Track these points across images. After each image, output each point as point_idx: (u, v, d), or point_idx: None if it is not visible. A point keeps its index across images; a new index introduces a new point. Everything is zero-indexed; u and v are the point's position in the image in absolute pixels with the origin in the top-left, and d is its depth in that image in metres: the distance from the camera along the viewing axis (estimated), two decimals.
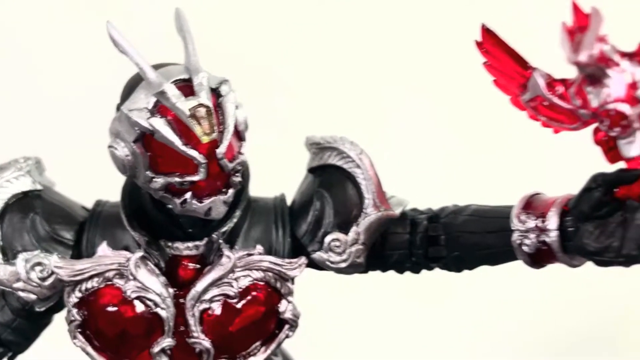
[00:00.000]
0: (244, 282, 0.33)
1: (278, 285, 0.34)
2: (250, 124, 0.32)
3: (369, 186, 0.35)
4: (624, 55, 0.24)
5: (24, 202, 0.35)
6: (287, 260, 0.34)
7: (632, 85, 0.24)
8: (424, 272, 0.37)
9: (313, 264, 0.35)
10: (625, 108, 0.24)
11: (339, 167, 0.35)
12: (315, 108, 0.86)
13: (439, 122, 0.83)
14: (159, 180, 0.30)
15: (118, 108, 0.31)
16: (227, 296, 0.33)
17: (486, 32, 0.29)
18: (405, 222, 0.35)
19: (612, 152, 0.25)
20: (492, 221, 0.32)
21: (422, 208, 0.37)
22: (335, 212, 0.35)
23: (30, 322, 0.36)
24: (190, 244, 0.33)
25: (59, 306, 0.34)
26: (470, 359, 0.94)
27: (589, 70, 0.23)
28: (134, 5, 0.78)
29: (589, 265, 0.30)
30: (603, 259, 0.27)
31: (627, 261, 0.27)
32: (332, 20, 0.85)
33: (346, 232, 0.34)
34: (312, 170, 0.37)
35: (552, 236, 0.29)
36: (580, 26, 0.24)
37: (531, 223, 0.30)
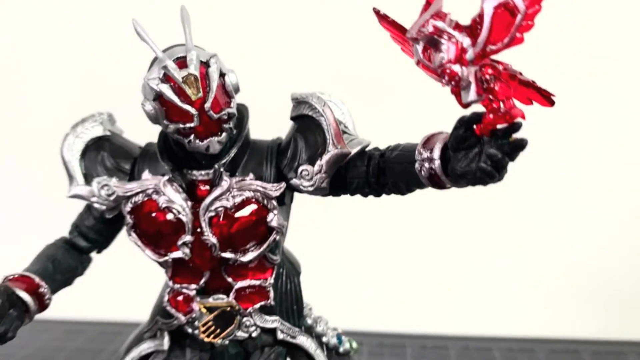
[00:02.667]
0: (239, 199, 0.47)
1: (265, 202, 0.47)
2: None
3: (330, 131, 0.46)
4: (457, 27, 0.33)
5: (98, 143, 0.50)
6: (271, 184, 0.47)
7: (462, 50, 0.33)
8: None
9: (292, 188, 0.48)
10: (456, 68, 0.33)
11: (310, 116, 0.47)
12: None
13: None
14: (172, 126, 0.44)
15: None
16: (226, 208, 0.46)
17: (378, 15, 0.38)
18: (364, 157, 0.47)
19: (459, 98, 0.34)
20: (410, 154, 0.42)
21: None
22: (306, 150, 0.47)
23: (106, 226, 0.52)
24: (203, 172, 0.47)
25: (121, 215, 0.50)
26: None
27: (426, 41, 0.33)
28: None
29: None
30: (467, 177, 0.37)
31: (482, 176, 0.36)
32: None
33: (313, 164, 0.46)
34: (293, 119, 0.49)
35: (436, 164, 0.39)
36: (425, 8, 0.33)
37: (425, 154, 0.40)
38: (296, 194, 0.51)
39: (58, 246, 0.52)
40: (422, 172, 0.40)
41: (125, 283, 1.19)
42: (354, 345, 0.56)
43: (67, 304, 1.18)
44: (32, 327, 1.25)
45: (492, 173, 0.35)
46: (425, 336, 1.15)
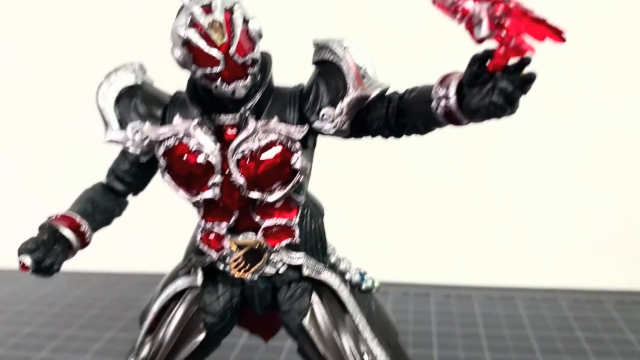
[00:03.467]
0: (264, 142, 0.49)
1: (289, 144, 0.49)
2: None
3: (350, 74, 0.48)
4: None
5: (130, 92, 0.53)
6: (295, 127, 0.49)
7: None
8: None
9: (314, 132, 0.50)
10: (468, 5, 0.34)
11: (330, 61, 0.49)
12: None
13: None
14: (199, 71, 0.46)
15: None
16: (252, 150, 0.49)
17: None
18: (383, 100, 0.48)
19: (473, 34, 0.36)
20: (427, 94, 0.44)
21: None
22: (327, 93, 0.49)
23: (141, 169, 0.55)
24: (230, 116, 0.50)
25: (155, 159, 0.53)
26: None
27: None
28: None
29: None
30: (481, 112, 0.38)
31: (495, 110, 0.37)
32: None
33: (334, 107, 0.48)
34: (315, 64, 0.51)
35: (452, 101, 0.41)
36: None
37: (441, 92, 0.41)
38: (319, 139, 0.53)
39: (96, 189, 0.55)
40: (439, 110, 0.42)
41: (159, 237, 1.24)
42: (376, 283, 0.59)
43: (104, 258, 1.25)
44: (72, 278, 1.33)
45: (504, 106, 0.37)
46: (449, 286, 1.18)
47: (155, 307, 0.58)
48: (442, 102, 0.41)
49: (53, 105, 1.29)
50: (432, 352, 0.91)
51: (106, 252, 1.23)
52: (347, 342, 0.52)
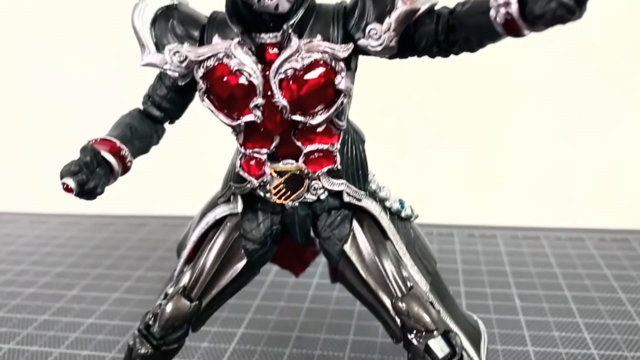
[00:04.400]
0: (308, 61, 0.47)
1: (333, 64, 0.48)
2: None
3: None
4: None
5: (167, 12, 0.51)
6: (339, 45, 0.48)
7: None
8: None
9: (359, 51, 0.48)
10: None
11: None
12: None
13: None
14: None
15: None
16: (295, 69, 0.47)
17: None
18: (433, 15, 0.46)
19: None
20: (483, 4, 0.42)
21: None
22: (374, 8, 0.47)
23: (178, 94, 0.54)
24: (271, 34, 0.48)
25: (193, 83, 0.51)
26: None
27: None
28: None
29: None
30: (546, 17, 0.36)
31: (562, 13, 0.35)
32: None
33: (381, 22, 0.46)
34: None
35: (513, 7, 0.39)
36: None
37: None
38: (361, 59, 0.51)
39: (133, 115, 0.54)
40: (498, 19, 0.40)
41: (183, 181, 1.24)
42: (415, 211, 0.58)
43: (128, 201, 1.25)
44: (98, 221, 1.34)
45: (573, 8, 0.35)
46: (473, 226, 1.18)
47: (194, 236, 0.58)
48: (502, 10, 0.39)
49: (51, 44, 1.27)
50: (459, 288, 0.92)
51: (130, 196, 1.23)
52: (389, 267, 0.52)
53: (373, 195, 0.55)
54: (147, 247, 1.15)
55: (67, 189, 0.46)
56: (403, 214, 0.57)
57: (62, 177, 0.47)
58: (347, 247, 0.53)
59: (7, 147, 1.36)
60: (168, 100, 0.54)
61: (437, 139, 1.18)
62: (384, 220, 0.54)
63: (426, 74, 1.12)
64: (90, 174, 0.47)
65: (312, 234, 0.57)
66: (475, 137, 1.17)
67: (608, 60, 1.10)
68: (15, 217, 1.34)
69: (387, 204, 0.56)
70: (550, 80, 1.12)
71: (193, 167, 1.25)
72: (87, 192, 0.47)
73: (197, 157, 1.24)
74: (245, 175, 0.52)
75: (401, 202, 0.57)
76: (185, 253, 0.58)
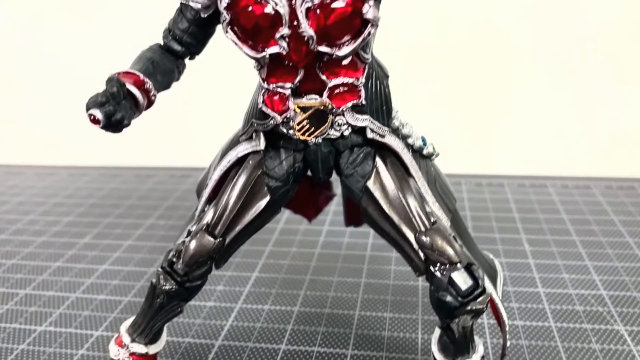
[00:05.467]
0: None
1: None
2: None
3: None
4: None
5: None
6: None
7: None
8: None
9: None
10: None
11: None
12: None
13: None
14: None
15: None
16: None
17: None
18: None
19: None
20: None
21: None
22: None
23: (200, 28, 0.53)
24: None
25: (216, 15, 0.50)
26: None
27: None
28: None
29: None
30: None
31: None
32: None
33: None
34: None
35: None
36: None
37: None
38: None
39: (154, 50, 0.53)
40: None
41: (188, 133, 1.24)
42: (436, 150, 0.58)
43: (136, 153, 1.25)
44: (105, 172, 1.34)
45: None
46: (481, 175, 1.19)
47: (215, 175, 0.57)
48: None
49: None
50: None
51: (136, 148, 1.23)
52: (412, 202, 0.52)
53: (396, 131, 0.55)
54: (157, 197, 1.15)
55: (94, 120, 0.46)
56: (425, 152, 0.57)
57: (88, 109, 0.46)
58: (370, 184, 0.53)
59: (12, 99, 1.35)
60: (189, 34, 0.53)
61: (443, 91, 1.17)
62: (407, 157, 0.54)
63: (434, 28, 1.11)
64: (117, 105, 0.46)
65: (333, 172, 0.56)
66: (481, 88, 1.16)
67: (610, 13, 1.08)
68: (22, 170, 1.33)
69: (410, 141, 0.56)
70: (553, 29, 1.11)
71: (198, 118, 1.24)
72: (114, 123, 0.46)
73: (202, 110, 1.24)
74: (269, 111, 0.52)
75: (423, 140, 0.56)
76: (206, 192, 0.58)
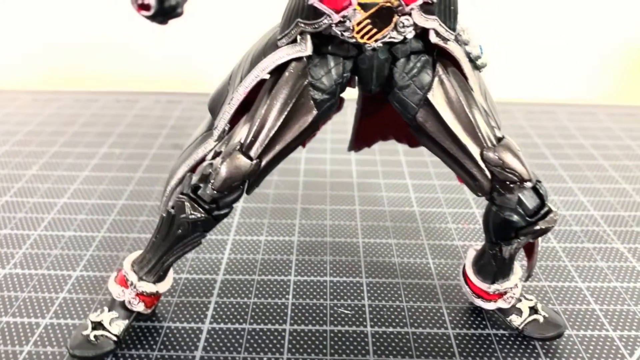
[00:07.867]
0: None
1: None
2: None
3: None
4: None
5: None
6: None
7: None
8: None
9: None
10: None
11: None
12: None
13: None
14: None
15: None
16: None
17: None
18: None
19: None
20: None
21: None
22: None
23: None
24: None
25: None
26: None
27: None
28: None
29: None
30: None
31: None
32: None
33: None
34: None
35: None
36: None
37: None
38: None
39: None
40: None
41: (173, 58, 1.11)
42: (487, 61, 0.53)
43: (121, 79, 1.10)
44: (38, 97, 1.18)
45: None
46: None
47: (244, 85, 0.49)
48: None
49: None
50: None
51: (120, 74, 1.08)
52: (478, 116, 0.48)
53: (455, 38, 0.49)
54: (146, 122, 1.02)
55: (143, 5, 0.36)
56: (480, 62, 0.52)
57: None
58: (431, 96, 0.48)
59: None
60: None
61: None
62: (467, 67, 0.49)
63: None
64: None
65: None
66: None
67: None
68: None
69: (468, 48, 0.50)
70: None
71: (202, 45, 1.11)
72: (167, 10, 0.37)
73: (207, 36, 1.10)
74: (323, 8, 0.44)
75: (481, 48, 0.51)
76: (232, 106, 0.49)
